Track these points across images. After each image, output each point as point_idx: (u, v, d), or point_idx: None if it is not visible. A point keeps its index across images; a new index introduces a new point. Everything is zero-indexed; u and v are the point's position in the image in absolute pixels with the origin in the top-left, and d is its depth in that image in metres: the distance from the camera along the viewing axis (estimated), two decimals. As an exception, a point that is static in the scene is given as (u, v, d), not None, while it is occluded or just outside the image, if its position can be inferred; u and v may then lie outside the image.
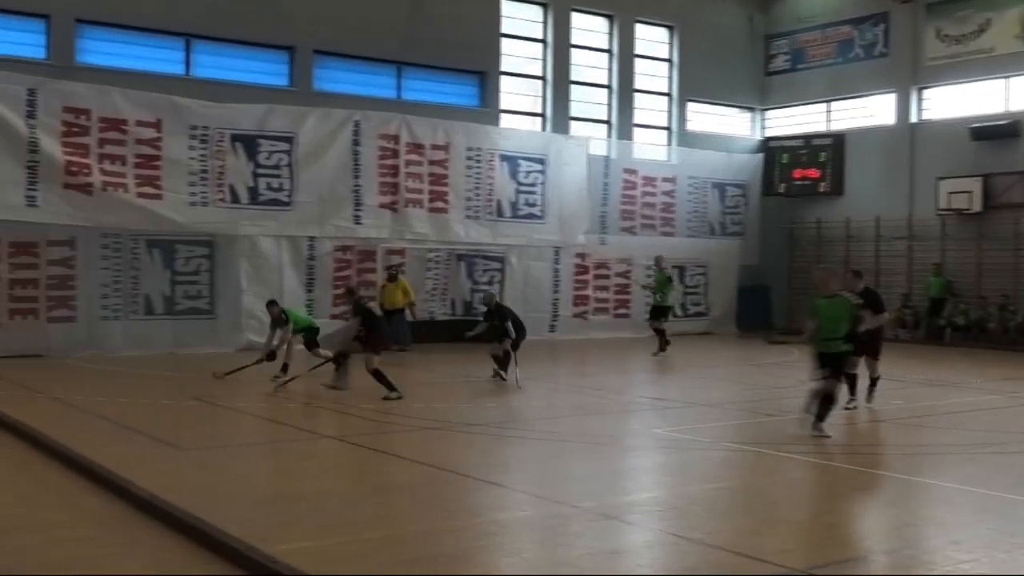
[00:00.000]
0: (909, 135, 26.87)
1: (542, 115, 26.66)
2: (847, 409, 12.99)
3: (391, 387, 13.83)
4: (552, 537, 7.38)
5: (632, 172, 27.08)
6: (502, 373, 16.32)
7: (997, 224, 24.80)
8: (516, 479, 9.58)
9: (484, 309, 17.62)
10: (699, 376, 18.81)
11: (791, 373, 18.59)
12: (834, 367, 11.20)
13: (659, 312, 21.84)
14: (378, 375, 13.91)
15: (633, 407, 14.68)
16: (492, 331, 16.67)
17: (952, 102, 26.30)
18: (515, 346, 16.32)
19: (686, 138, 28.73)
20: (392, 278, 21.75)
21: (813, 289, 12.40)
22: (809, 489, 9.13)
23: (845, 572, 6.62)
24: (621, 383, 17.81)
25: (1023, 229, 24.33)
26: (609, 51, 27.77)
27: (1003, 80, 25.17)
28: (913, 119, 26.92)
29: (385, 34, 23.51)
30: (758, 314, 28.98)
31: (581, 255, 25.83)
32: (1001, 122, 24.69)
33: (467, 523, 7.72)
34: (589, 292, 25.97)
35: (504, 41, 25.80)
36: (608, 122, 27.72)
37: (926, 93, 26.93)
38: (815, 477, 9.67)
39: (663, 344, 21.15)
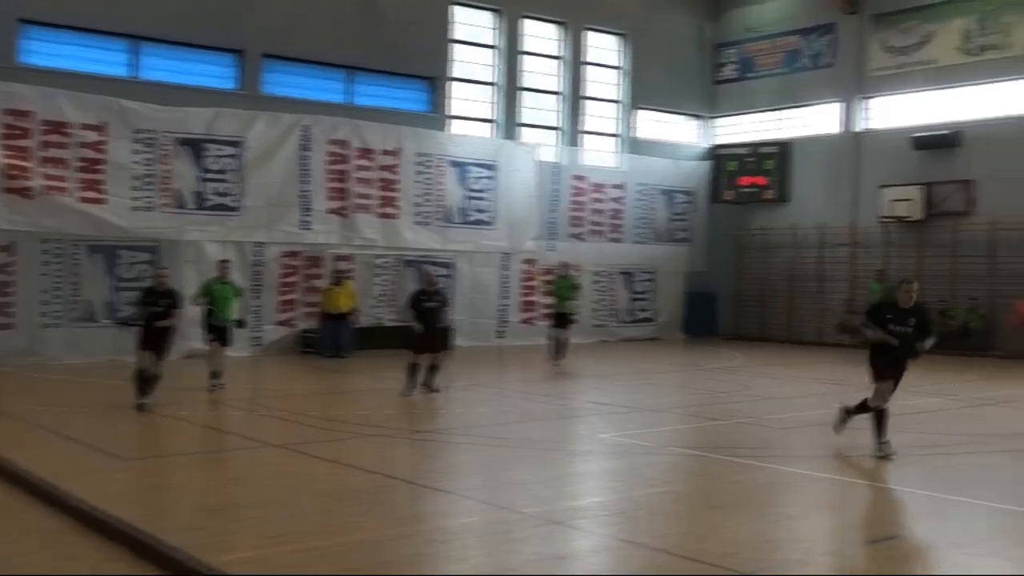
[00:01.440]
0: (853, 144, 27.28)
1: (492, 121, 26.67)
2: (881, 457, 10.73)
3: (144, 393, 13.35)
4: (498, 543, 7.39)
5: (581, 179, 27.22)
6: (429, 385, 15.35)
7: (937, 232, 25.24)
8: (463, 485, 9.58)
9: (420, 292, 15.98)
10: (645, 381, 18.93)
11: (735, 378, 18.84)
12: None
13: (562, 320, 20.96)
14: (142, 378, 13.46)
15: (580, 412, 14.73)
16: (429, 322, 15.39)
17: (895, 112, 26.74)
18: (436, 346, 15.46)
19: (635, 145, 28.89)
20: (337, 282, 21.62)
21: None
22: (752, 493, 9.22)
23: (786, 574, 6.70)
24: (568, 388, 17.89)
25: (962, 237, 24.80)
26: (560, 58, 27.87)
27: (945, 91, 25.62)
28: (857, 128, 27.34)
29: (335, 38, 23.33)
30: (705, 320, 29.34)
31: (530, 261, 25.90)
32: (942, 132, 25.12)
33: (413, 530, 7.70)
34: (537, 298, 26.03)
35: (455, 47, 25.77)
36: (558, 129, 27.82)
37: (870, 103, 27.34)
38: (759, 481, 9.78)
39: (563, 351, 20.54)
